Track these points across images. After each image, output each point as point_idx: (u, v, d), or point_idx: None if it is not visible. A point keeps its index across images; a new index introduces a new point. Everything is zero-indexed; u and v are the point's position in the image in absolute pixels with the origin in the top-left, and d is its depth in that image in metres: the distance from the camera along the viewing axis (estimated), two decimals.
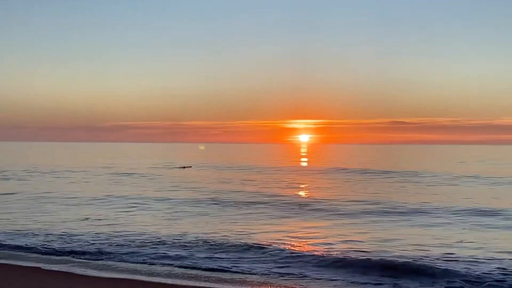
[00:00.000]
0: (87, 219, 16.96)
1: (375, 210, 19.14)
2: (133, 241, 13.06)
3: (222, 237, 13.55)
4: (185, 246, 12.57)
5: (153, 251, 12.04)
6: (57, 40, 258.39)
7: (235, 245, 12.54)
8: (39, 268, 10.62)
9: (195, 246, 12.52)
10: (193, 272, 10.37)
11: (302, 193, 26.97)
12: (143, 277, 9.97)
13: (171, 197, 23.41)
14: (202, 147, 47.46)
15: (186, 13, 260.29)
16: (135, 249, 12.23)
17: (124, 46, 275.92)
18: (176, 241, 13.13)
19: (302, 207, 20.12)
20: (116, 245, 12.65)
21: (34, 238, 13.57)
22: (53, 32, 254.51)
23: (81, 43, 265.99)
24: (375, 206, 20.25)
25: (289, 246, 12.45)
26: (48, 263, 11.02)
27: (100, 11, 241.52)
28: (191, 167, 48.27)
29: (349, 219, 17.29)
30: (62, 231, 14.53)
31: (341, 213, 18.67)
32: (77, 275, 10.09)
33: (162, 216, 17.85)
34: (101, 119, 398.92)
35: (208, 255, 11.70)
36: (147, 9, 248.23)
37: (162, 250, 12.15)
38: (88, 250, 12.21)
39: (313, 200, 22.63)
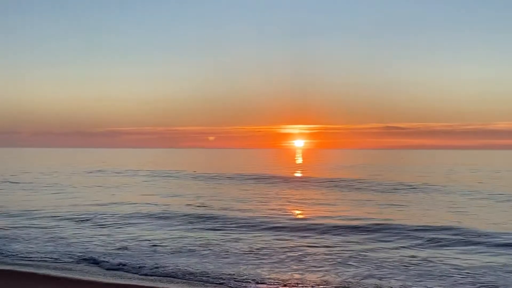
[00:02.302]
0: None
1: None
2: None
3: None
4: None
5: None
6: (50, 45, 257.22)
7: None
8: None
9: None
10: None
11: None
12: None
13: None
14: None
15: (179, 17, 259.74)
16: None
17: (118, 51, 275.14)
18: None
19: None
20: None
21: None
22: (46, 37, 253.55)
23: (74, 47, 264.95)
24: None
25: None
26: None
27: (93, 16, 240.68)
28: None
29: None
30: None
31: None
32: None
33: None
34: (94, 125, 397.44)
35: None
36: (140, 14, 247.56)
37: None
38: None
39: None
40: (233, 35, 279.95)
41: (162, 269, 10.45)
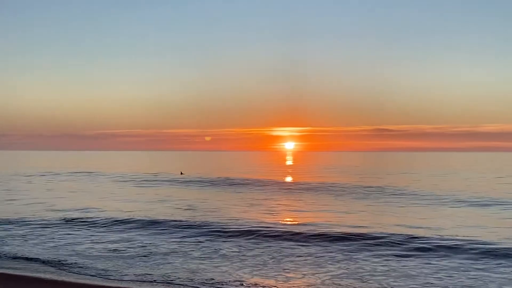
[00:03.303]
0: None
1: None
2: None
3: None
4: None
5: None
6: (40, 47, 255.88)
7: None
8: None
9: None
10: None
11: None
12: None
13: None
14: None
15: (169, 20, 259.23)
16: None
17: (108, 53, 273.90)
18: None
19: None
20: None
21: None
22: (34, 39, 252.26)
23: (65, 50, 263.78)
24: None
25: None
26: None
27: (82, 19, 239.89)
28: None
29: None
30: None
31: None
32: None
33: None
34: (85, 127, 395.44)
35: None
36: (129, 17, 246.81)
37: None
38: None
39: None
40: (223, 38, 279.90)
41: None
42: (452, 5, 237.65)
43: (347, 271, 10.68)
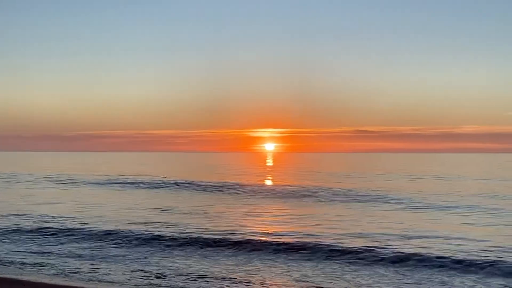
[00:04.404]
0: None
1: None
2: None
3: None
4: None
5: None
6: (19, 48, 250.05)
7: None
8: None
9: None
10: None
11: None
12: None
13: None
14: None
15: (151, 20, 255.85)
16: None
17: (88, 54, 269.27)
18: None
19: None
20: None
21: None
22: (16, 40, 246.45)
23: (44, 51, 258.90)
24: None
25: None
26: None
27: (64, 19, 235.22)
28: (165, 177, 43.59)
29: None
30: None
31: None
32: None
33: None
34: (65, 128, 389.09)
35: None
36: (112, 17, 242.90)
37: None
38: None
39: None
40: (204, 40, 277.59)
41: None
42: (430, 7, 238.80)
43: None
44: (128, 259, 12.46)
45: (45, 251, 13.41)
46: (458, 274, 10.96)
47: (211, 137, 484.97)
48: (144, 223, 17.63)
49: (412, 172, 59.89)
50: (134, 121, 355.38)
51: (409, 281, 10.48)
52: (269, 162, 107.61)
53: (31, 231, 15.98)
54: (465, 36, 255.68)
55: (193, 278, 10.62)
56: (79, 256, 12.79)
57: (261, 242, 13.99)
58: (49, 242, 14.56)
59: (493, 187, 35.20)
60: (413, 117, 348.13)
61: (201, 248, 13.56)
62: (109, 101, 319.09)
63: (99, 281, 10.49)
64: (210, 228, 16.34)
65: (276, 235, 15.20)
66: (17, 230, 16.13)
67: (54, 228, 16.37)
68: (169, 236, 14.70)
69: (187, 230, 15.79)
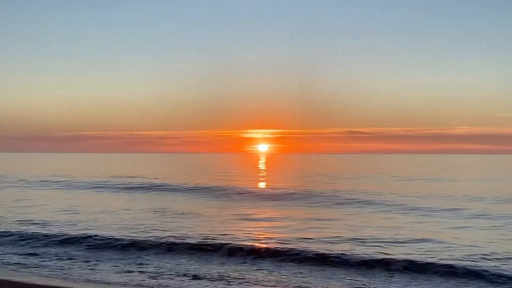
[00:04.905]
0: None
1: None
2: None
3: None
4: None
5: None
6: (9, 47, 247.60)
7: None
8: None
9: None
10: None
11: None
12: None
13: None
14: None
15: (141, 20, 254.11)
16: None
17: (78, 54, 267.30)
18: None
19: None
20: None
21: None
22: (4, 39, 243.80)
23: (34, 51, 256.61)
24: None
25: None
26: None
27: (52, 19, 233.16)
28: None
29: None
30: None
31: None
32: None
33: None
34: (57, 129, 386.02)
35: None
36: (101, 17, 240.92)
37: None
38: None
39: None
40: (195, 41, 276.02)
41: None
42: (424, 8, 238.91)
43: None
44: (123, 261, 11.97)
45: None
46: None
47: (203, 138, 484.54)
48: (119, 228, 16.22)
49: (399, 173, 58.66)
50: (125, 122, 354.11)
51: None
52: (261, 164, 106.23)
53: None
54: (457, 38, 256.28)
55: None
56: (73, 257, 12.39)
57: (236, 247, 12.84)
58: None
59: (479, 189, 34.17)
60: (405, 118, 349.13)
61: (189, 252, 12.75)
62: (100, 102, 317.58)
63: (95, 281, 10.05)
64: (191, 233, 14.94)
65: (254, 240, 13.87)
66: None
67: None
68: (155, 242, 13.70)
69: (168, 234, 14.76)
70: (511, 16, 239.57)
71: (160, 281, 10.14)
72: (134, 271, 10.95)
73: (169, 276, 10.55)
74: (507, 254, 12.21)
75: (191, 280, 10.15)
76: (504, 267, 10.86)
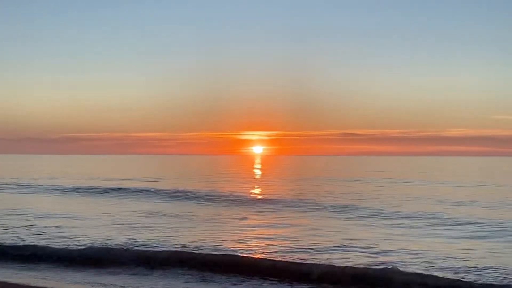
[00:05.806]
0: None
1: None
2: None
3: None
4: None
5: None
6: (1, 48, 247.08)
7: None
8: None
9: None
10: None
11: None
12: None
13: None
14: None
15: (135, 21, 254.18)
16: None
17: (72, 55, 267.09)
18: None
19: None
20: None
21: None
22: None
23: (27, 51, 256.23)
24: None
25: None
26: None
27: (44, 19, 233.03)
28: None
29: None
30: None
31: None
32: None
33: None
34: (49, 131, 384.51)
35: None
36: (97, 18, 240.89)
37: None
38: None
39: None
40: (190, 41, 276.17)
41: None
42: (416, 10, 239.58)
43: None
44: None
45: None
46: None
47: (199, 139, 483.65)
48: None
49: (392, 176, 58.97)
50: (120, 123, 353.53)
51: None
52: (256, 166, 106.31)
53: None
54: (452, 39, 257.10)
55: None
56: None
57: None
58: None
59: (467, 193, 34.37)
60: (400, 120, 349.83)
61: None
62: (95, 104, 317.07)
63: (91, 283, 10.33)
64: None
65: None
66: None
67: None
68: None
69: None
70: (506, 18, 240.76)
71: None
72: None
73: None
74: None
75: None
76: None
